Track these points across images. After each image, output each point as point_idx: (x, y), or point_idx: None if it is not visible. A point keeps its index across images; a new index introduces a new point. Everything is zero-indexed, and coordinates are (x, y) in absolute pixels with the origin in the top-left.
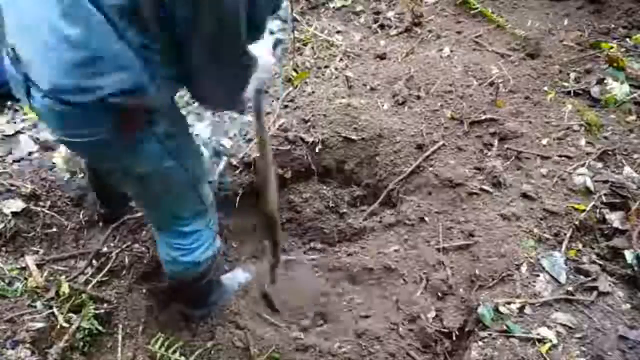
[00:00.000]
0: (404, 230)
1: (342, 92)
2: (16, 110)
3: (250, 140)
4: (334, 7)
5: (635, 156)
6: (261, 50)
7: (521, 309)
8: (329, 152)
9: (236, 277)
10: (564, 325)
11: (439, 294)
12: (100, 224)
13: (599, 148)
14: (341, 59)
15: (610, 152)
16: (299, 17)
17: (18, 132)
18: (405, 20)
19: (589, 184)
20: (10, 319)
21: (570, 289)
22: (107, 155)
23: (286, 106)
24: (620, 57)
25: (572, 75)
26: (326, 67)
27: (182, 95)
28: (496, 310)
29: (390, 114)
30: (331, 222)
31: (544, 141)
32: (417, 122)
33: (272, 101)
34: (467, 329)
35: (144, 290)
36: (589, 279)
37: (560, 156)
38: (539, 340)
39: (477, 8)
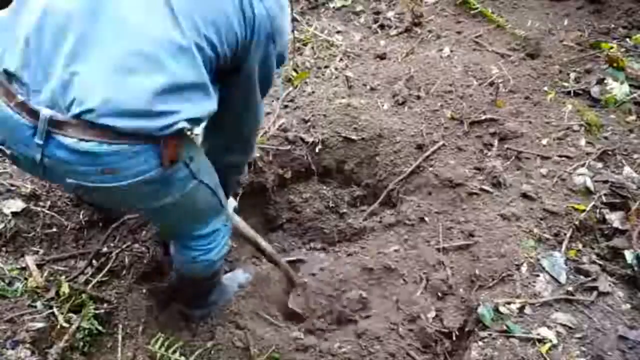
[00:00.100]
0: (404, 230)
1: (342, 92)
2: None
3: None
4: (334, 7)
5: (635, 156)
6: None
7: (521, 309)
8: (329, 152)
9: (236, 277)
10: (564, 326)
11: (439, 294)
12: (100, 224)
13: (599, 148)
14: (341, 59)
15: (610, 152)
16: (299, 17)
17: None
18: (405, 20)
19: (589, 184)
20: (11, 319)
21: (570, 289)
22: (140, 194)
23: (286, 106)
24: (620, 57)
25: (572, 75)
26: (326, 67)
27: None
28: (496, 310)
29: (390, 114)
30: (331, 222)
31: (544, 141)
32: (417, 122)
33: (272, 101)
34: (467, 329)
35: (144, 290)
36: (589, 279)
37: (560, 156)
38: (539, 341)
39: (477, 8)
